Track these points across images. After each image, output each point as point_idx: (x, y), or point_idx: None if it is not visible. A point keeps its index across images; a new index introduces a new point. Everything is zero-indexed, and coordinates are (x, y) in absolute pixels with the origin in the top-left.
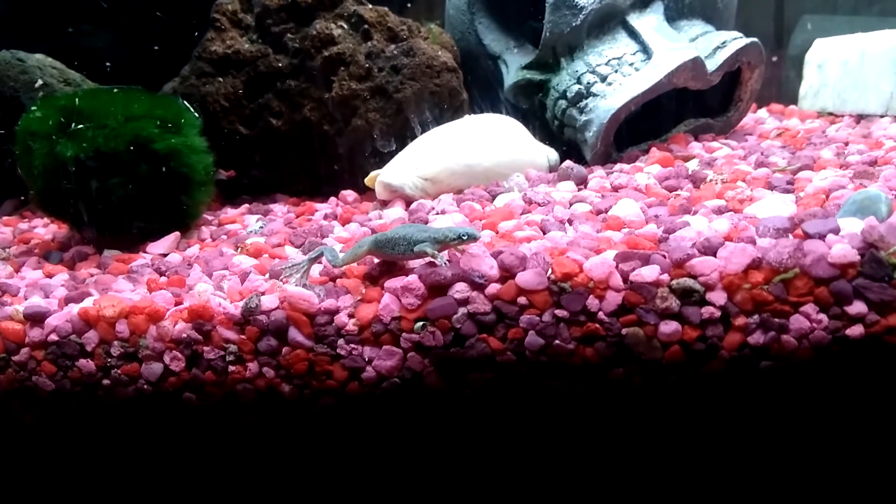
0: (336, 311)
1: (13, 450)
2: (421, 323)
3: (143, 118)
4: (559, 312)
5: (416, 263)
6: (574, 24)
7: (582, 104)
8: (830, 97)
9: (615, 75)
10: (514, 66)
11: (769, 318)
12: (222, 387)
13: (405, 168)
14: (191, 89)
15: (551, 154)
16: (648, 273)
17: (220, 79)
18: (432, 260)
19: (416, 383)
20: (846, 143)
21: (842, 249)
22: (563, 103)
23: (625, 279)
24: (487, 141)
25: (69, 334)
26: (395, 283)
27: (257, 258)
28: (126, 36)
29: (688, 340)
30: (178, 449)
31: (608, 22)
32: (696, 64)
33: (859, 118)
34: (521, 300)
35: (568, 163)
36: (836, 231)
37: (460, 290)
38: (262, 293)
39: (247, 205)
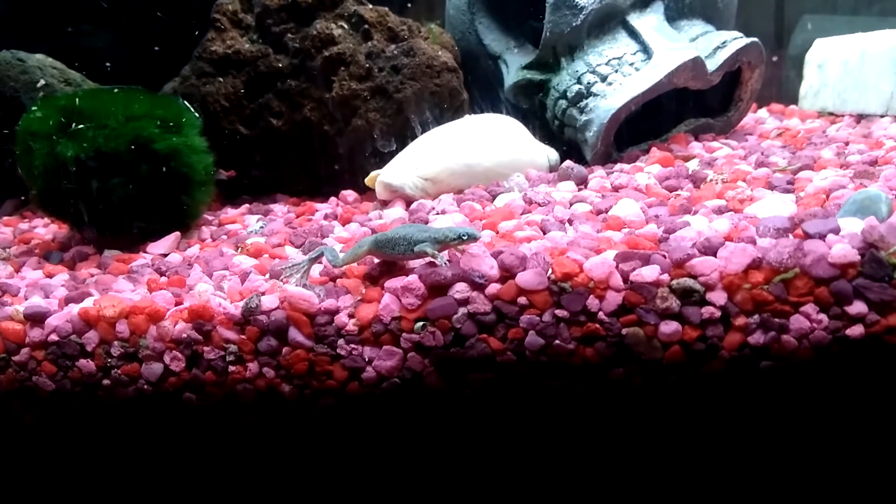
0: (336, 311)
1: (14, 450)
2: (421, 323)
3: (144, 118)
4: (559, 312)
5: (416, 263)
6: (574, 24)
7: (582, 104)
8: (831, 97)
9: (615, 75)
10: (514, 66)
11: (769, 318)
12: (222, 387)
13: (405, 168)
14: (191, 89)
15: (551, 154)
16: (649, 273)
17: (221, 79)
18: (432, 260)
19: (416, 383)
20: (846, 143)
21: (842, 249)
22: (563, 103)
23: (625, 279)
24: (488, 141)
25: (69, 334)
26: (395, 283)
27: (257, 258)
28: (126, 36)
29: (688, 340)
30: (178, 449)
31: (608, 22)
32: (696, 64)
33: (859, 118)
34: (522, 300)
35: (568, 163)
36: (837, 231)
37: (460, 290)
38: (263, 293)
39: (247, 205)
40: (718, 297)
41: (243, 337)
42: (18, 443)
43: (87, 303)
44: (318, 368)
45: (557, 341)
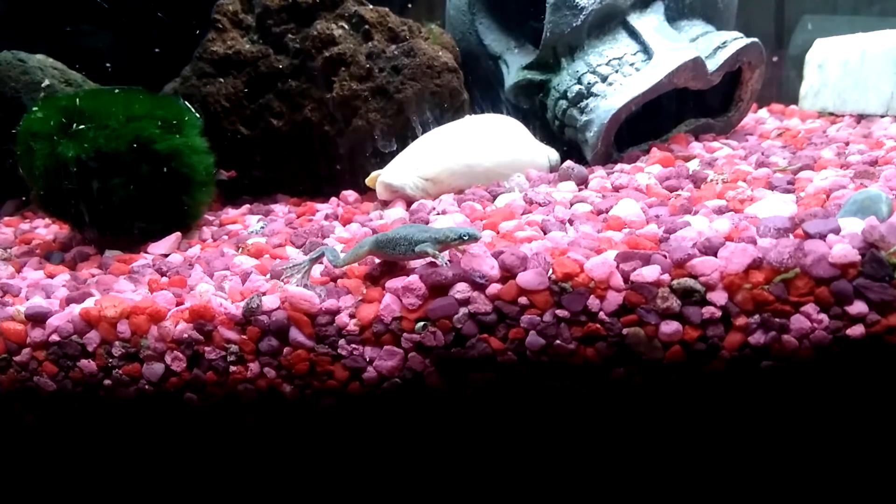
0: (337, 312)
1: (15, 450)
2: (422, 323)
3: (145, 119)
4: (560, 312)
5: (417, 263)
6: (575, 25)
7: (582, 104)
8: (831, 97)
9: (616, 75)
10: (514, 67)
11: (770, 318)
12: (223, 387)
13: (406, 168)
14: (192, 90)
15: (552, 154)
16: (649, 273)
17: (221, 79)
18: (433, 260)
19: (417, 383)
20: (847, 143)
21: (842, 249)
22: (563, 103)
23: (626, 279)
24: (488, 141)
25: (70, 335)
26: (396, 283)
27: (258, 258)
28: (126, 36)
29: (688, 340)
30: (179, 449)
31: (609, 22)
32: (696, 64)
33: (860, 118)
34: (522, 300)
35: (569, 163)
36: (837, 231)
37: (461, 290)
38: (264, 293)
39: (248, 205)
40: (719, 297)
41: (244, 337)
42: (19, 443)
43: (89, 303)
44: (319, 368)
45: (558, 341)
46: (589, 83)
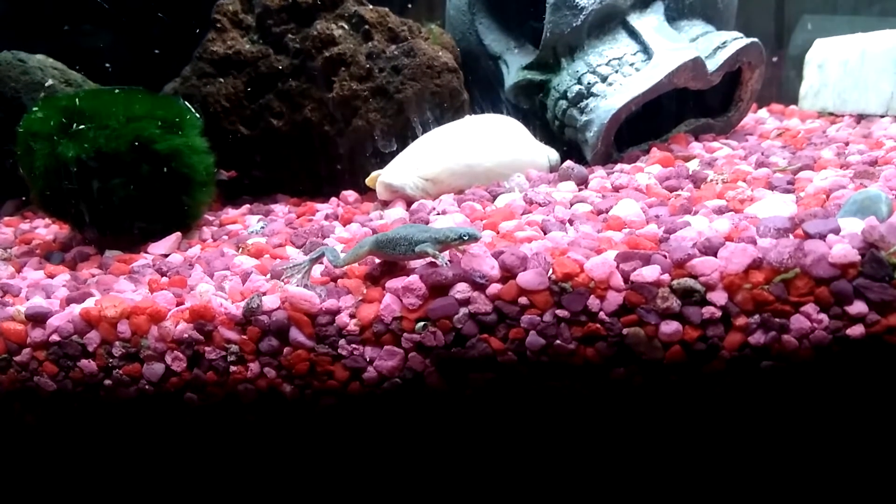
0: (337, 312)
1: (15, 450)
2: (422, 323)
3: (145, 119)
4: (560, 312)
5: (417, 264)
6: (574, 25)
7: (582, 104)
8: (831, 97)
9: (616, 75)
10: (514, 67)
11: (770, 318)
12: (224, 387)
13: (406, 168)
14: (192, 90)
15: (552, 154)
16: (649, 273)
17: (221, 79)
18: (433, 260)
19: (417, 383)
20: (846, 143)
21: (842, 249)
22: (563, 103)
23: (626, 279)
24: (488, 141)
25: (71, 335)
26: (396, 283)
27: (258, 258)
28: (126, 36)
29: (689, 340)
30: (179, 449)
31: (609, 22)
32: (696, 64)
33: (860, 118)
34: (522, 300)
35: (569, 163)
36: (837, 231)
37: (461, 290)
38: (264, 293)
39: (248, 205)
40: (719, 297)
41: (244, 337)
42: (20, 443)
43: (89, 303)
44: (319, 368)
45: (558, 341)
46: (589, 83)
